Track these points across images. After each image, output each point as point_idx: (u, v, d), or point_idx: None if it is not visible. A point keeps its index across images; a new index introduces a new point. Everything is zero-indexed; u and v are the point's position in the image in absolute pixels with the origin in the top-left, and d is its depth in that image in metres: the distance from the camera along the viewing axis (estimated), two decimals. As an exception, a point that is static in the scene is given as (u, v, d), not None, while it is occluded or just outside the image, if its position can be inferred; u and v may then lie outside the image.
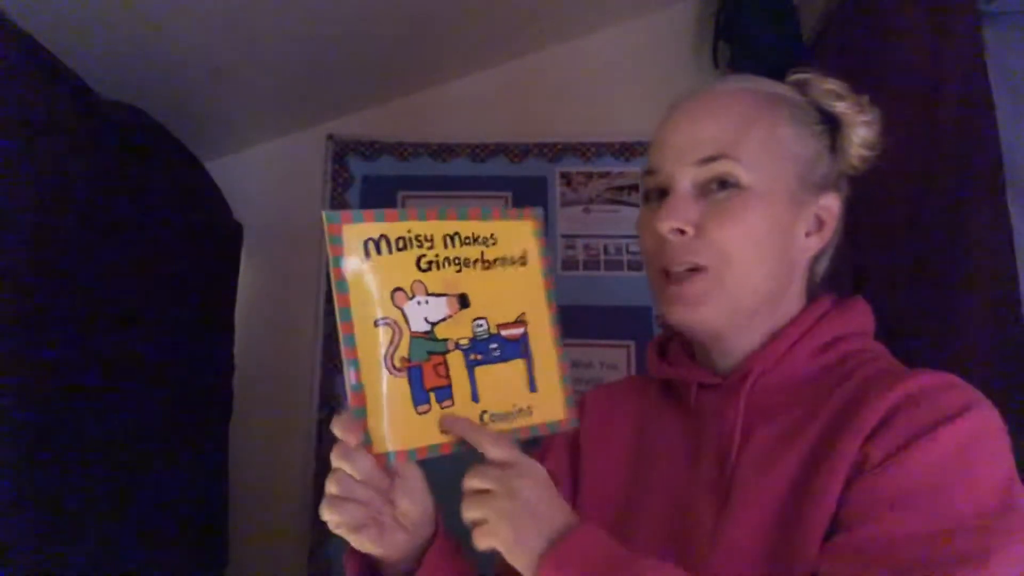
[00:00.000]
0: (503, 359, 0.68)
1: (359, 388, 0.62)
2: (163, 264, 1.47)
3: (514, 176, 1.90)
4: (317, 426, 1.78)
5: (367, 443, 0.62)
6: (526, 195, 1.88)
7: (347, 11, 1.54)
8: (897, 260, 1.17)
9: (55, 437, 1.14)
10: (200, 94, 1.65)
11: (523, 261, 0.70)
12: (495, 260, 0.69)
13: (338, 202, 1.91)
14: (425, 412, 0.64)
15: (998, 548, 0.54)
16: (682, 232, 0.69)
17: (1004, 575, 0.53)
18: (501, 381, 0.68)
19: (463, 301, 0.66)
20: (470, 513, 0.61)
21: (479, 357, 0.67)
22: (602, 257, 1.86)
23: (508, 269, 0.69)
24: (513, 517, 0.59)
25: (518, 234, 0.71)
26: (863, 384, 0.65)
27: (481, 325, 0.67)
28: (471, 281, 0.67)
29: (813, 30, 1.66)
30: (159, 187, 1.49)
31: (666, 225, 0.69)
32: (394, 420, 0.63)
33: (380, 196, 1.91)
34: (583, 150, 1.91)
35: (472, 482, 0.62)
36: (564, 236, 1.87)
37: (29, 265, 1.11)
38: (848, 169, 0.74)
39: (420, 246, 0.65)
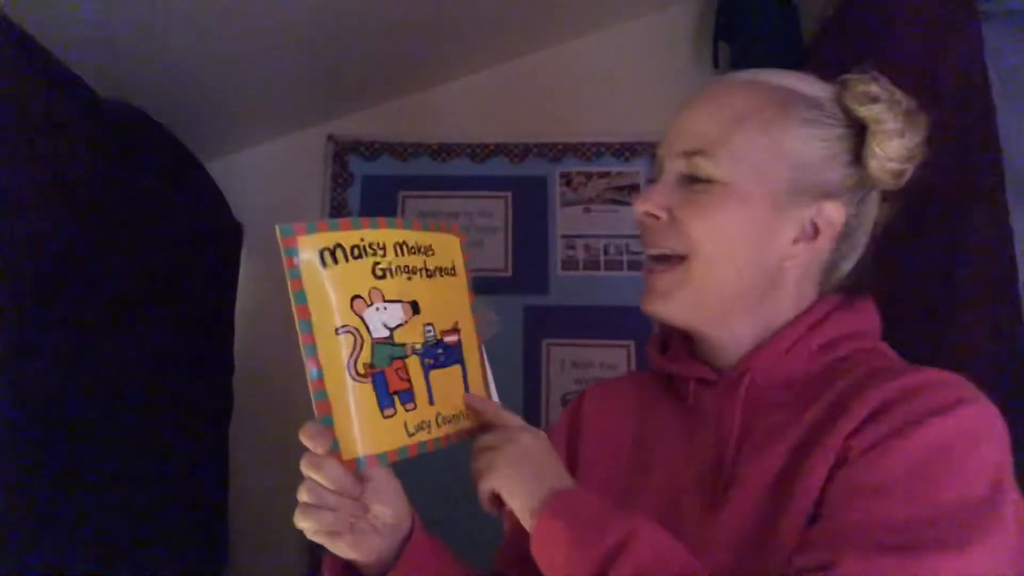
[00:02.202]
0: (447, 364, 0.71)
1: (324, 396, 0.62)
2: (163, 264, 1.47)
3: (514, 176, 1.90)
4: (317, 426, 1.78)
5: (336, 450, 0.62)
6: (526, 195, 1.88)
7: (347, 11, 1.54)
8: (896, 260, 1.17)
9: (54, 437, 1.14)
10: (200, 94, 1.65)
11: (452, 272, 0.73)
12: (435, 269, 0.71)
13: (338, 202, 1.91)
14: (391, 416, 0.64)
15: (978, 538, 0.53)
16: (656, 217, 0.71)
17: (981, 566, 0.52)
18: (448, 385, 0.70)
19: (415, 307, 0.68)
20: (476, 464, 0.66)
21: (431, 361, 0.69)
22: (602, 257, 1.86)
23: (445, 279, 0.72)
24: (512, 458, 0.64)
25: (448, 246, 0.73)
26: (860, 379, 0.64)
27: (430, 331, 0.69)
28: (420, 288, 0.68)
29: (813, 30, 1.66)
30: (159, 187, 1.49)
31: (640, 208, 0.71)
32: (362, 425, 0.63)
33: (380, 196, 1.91)
34: (583, 150, 1.91)
35: (480, 441, 0.68)
36: (564, 236, 1.87)
37: (28, 265, 1.11)
38: (876, 182, 0.70)
39: (374, 254, 0.66)
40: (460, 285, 0.73)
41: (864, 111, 0.69)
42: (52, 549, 1.11)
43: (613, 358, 1.79)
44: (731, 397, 0.69)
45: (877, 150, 0.69)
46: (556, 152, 1.91)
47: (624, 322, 1.79)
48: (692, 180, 0.69)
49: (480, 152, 1.92)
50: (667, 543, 0.58)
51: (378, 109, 1.96)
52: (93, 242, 1.25)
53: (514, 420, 0.69)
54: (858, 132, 0.70)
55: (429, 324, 0.69)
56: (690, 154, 0.69)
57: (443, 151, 1.93)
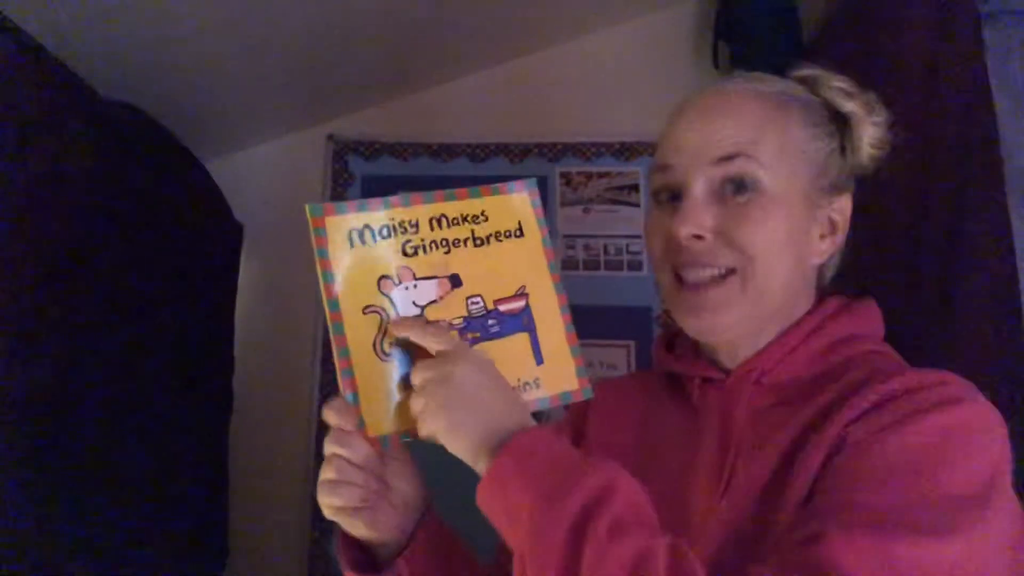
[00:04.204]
0: (503, 334, 0.67)
1: (350, 374, 0.63)
2: (163, 264, 1.47)
3: (514, 176, 1.87)
4: (317, 426, 1.78)
5: (360, 427, 0.63)
6: (526, 195, 1.88)
7: (347, 11, 1.54)
8: (896, 260, 1.17)
9: (53, 437, 1.14)
10: (200, 94, 1.65)
11: (519, 233, 0.70)
12: (487, 236, 0.68)
13: (338, 201, 1.91)
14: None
15: (960, 530, 0.52)
16: (701, 237, 0.67)
17: (956, 557, 0.52)
18: (503, 357, 0.65)
19: (454, 281, 0.66)
20: (413, 405, 0.61)
21: (476, 335, 0.66)
22: (602, 257, 1.86)
23: (504, 243, 0.69)
24: (446, 402, 0.59)
25: (511, 207, 0.70)
26: (862, 377, 0.64)
27: (477, 303, 0.67)
28: (462, 260, 0.67)
29: (813, 30, 1.66)
30: (159, 187, 1.49)
31: (684, 230, 0.67)
32: (387, 403, 0.63)
33: (380, 196, 1.90)
34: (583, 150, 1.91)
35: (414, 376, 0.62)
36: (564, 236, 1.87)
37: (28, 265, 1.11)
38: (858, 169, 0.73)
39: (404, 232, 0.66)
40: (529, 245, 0.69)
41: (848, 105, 0.72)
42: (52, 549, 1.11)
43: (613, 358, 1.79)
44: (735, 397, 0.70)
45: (865, 139, 0.72)
46: (556, 152, 1.91)
47: (624, 322, 1.79)
48: (729, 190, 0.67)
49: (480, 152, 1.92)
50: (640, 494, 0.56)
51: (378, 109, 1.96)
52: (93, 242, 1.25)
53: (445, 343, 0.62)
54: (839, 125, 0.72)
55: (476, 296, 0.66)
56: (729, 159, 0.67)
57: (443, 151, 1.93)
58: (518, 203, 0.71)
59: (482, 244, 0.68)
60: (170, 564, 1.41)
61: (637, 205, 1.87)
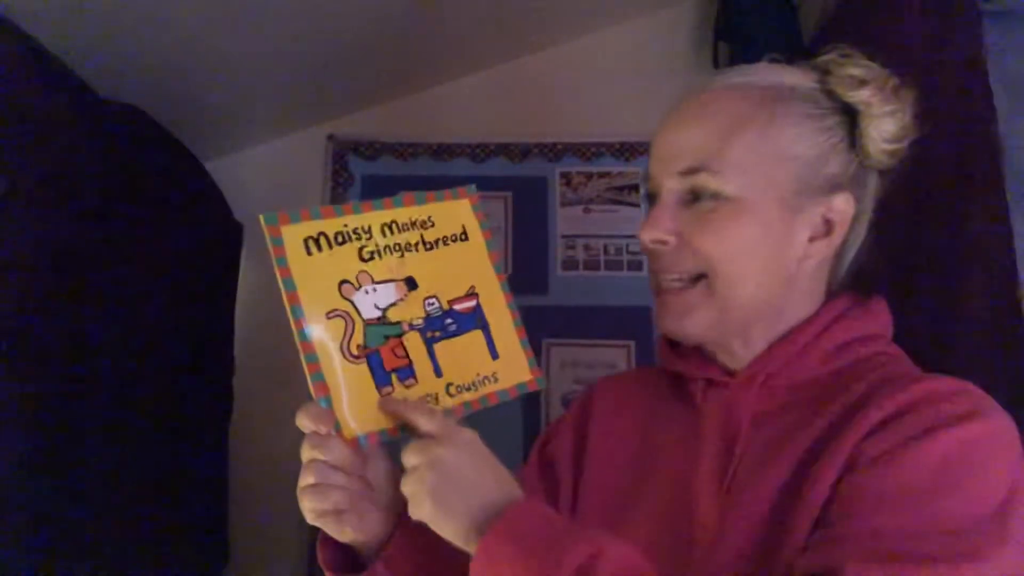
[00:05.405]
0: (460, 332, 0.71)
1: (320, 378, 0.64)
2: (163, 264, 1.47)
3: (514, 176, 1.89)
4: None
5: (336, 430, 0.64)
6: (526, 195, 1.88)
7: (347, 11, 1.54)
8: (896, 260, 1.17)
9: (54, 436, 1.14)
10: (200, 94, 1.65)
11: (464, 237, 0.73)
12: (436, 240, 0.72)
13: (338, 202, 1.90)
14: (389, 393, 0.67)
15: (980, 552, 0.52)
16: (664, 243, 0.68)
17: None
18: (462, 353, 0.70)
19: (410, 284, 0.70)
20: (403, 488, 0.61)
21: (436, 333, 0.70)
22: (602, 257, 1.86)
23: (452, 246, 0.73)
24: (434, 488, 0.59)
25: (455, 213, 0.74)
26: (873, 386, 0.63)
27: (433, 303, 0.70)
28: (416, 264, 0.70)
29: (813, 30, 1.66)
30: (159, 187, 1.49)
31: (647, 235, 0.69)
32: (360, 404, 0.65)
33: (380, 196, 1.89)
34: (583, 150, 1.91)
35: (404, 458, 0.62)
36: (564, 236, 1.87)
37: (28, 264, 1.11)
38: (873, 164, 0.70)
39: (359, 238, 0.69)
40: (475, 248, 0.74)
41: (854, 96, 0.68)
42: (51, 549, 1.11)
43: (613, 358, 1.79)
44: (740, 400, 0.68)
45: (872, 133, 0.68)
46: (556, 152, 1.91)
47: (624, 322, 1.79)
48: (697, 198, 0.67)
49: (480, 152, 1.92)
50: (634, 557, 0.56)
51: (378, 109, 1.96)
52: (93, 242, 1.25)
53: (434, 426, 0.62)
54: (849, 116, 0.69)
55: (432, 297, 0.70)
56: (691, 172, 0.67)
57: (443, 151, 1.93)
58: (461, 209, 0.75)
59: (432, 248, 0.72)
60: (170, 564, 1.41)
61: (637, 205, 1.87)
